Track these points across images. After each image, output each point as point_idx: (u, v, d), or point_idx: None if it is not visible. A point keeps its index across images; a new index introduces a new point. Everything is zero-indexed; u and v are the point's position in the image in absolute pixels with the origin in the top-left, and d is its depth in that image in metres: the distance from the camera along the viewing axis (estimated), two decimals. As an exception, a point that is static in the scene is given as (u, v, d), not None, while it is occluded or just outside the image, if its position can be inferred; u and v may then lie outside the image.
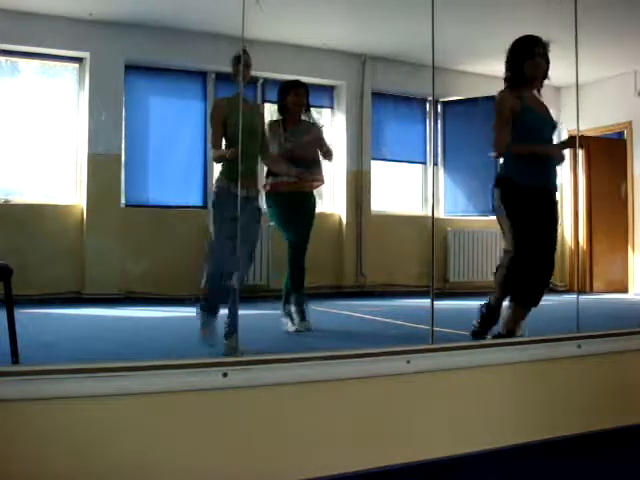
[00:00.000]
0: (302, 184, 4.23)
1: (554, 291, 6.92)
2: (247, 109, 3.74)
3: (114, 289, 6.02)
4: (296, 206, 4.26)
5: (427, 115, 7.77)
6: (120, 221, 6.20)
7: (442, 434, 2.19)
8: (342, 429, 2.02)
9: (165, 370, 1.84)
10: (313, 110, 4.83)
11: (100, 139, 6.10)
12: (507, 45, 3.41)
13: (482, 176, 6.12)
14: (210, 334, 3.55)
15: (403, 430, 2.11)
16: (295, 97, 4.27)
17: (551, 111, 3.55)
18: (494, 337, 3.23)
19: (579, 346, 2.48)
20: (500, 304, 3.41)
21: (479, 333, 3.40)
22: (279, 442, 1.93)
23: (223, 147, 3.66)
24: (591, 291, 7.79)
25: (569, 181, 8.16)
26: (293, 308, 4.27)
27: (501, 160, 3.49)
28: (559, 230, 3.53)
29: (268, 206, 4.30)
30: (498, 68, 3.50)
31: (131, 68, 6.33)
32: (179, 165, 6.67)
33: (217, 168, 4.01)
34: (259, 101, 6.50)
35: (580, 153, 7.86)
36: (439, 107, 7.70)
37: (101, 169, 6.12)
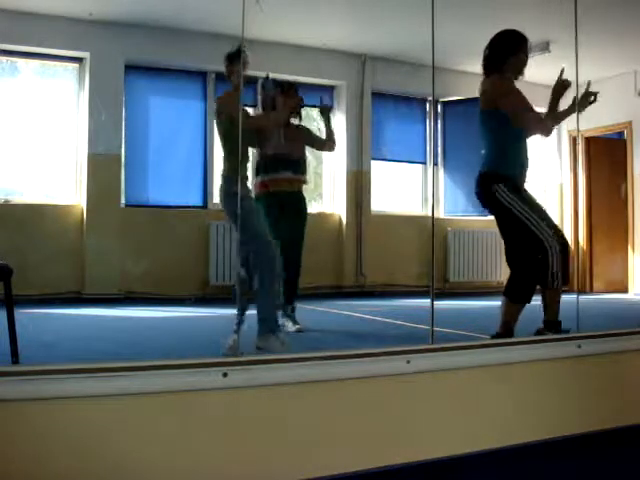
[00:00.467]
0: (289, 183, 4.30)
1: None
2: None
3: (114, 289, 6.02)
4: (286, 206, 4.30)
5: (427, 115, 7.77)
6: (120, 221, 6.20)
7: (442, 434, 2.19)
8: (342, 429, 2.02)
9: (165, 370, 1.84)
10: (313, 110, 4.84)
11: (100, 139, 6.11)
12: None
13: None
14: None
15: (403, 430, 2.11)
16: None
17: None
18: (492, 337, 3.21)
19: (579, 346, 2.48)
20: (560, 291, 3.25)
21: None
22: (279, 442, 1.93)
23: (224, 147, 3.64)
24: (591, 291, 7.80)
25: (569, 181, 8.17)
26: (284, 319, 4.23)
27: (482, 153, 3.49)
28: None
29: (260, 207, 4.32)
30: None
31: (131, 68, 6.33)
32: (179, 165, 6.67)
33: (217, 168, 3.99)
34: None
35: (580, 150, 7.87)
36: (439, 107, 7.70)
37: (101, 169, 6.13)
